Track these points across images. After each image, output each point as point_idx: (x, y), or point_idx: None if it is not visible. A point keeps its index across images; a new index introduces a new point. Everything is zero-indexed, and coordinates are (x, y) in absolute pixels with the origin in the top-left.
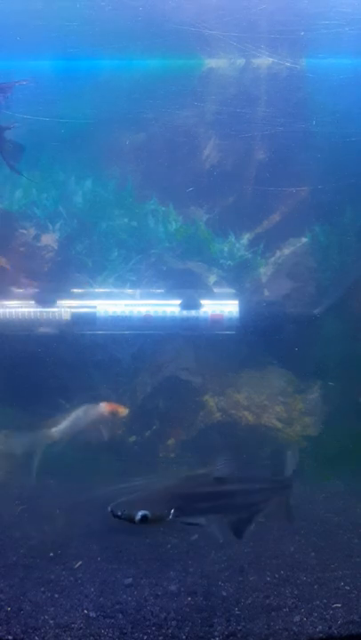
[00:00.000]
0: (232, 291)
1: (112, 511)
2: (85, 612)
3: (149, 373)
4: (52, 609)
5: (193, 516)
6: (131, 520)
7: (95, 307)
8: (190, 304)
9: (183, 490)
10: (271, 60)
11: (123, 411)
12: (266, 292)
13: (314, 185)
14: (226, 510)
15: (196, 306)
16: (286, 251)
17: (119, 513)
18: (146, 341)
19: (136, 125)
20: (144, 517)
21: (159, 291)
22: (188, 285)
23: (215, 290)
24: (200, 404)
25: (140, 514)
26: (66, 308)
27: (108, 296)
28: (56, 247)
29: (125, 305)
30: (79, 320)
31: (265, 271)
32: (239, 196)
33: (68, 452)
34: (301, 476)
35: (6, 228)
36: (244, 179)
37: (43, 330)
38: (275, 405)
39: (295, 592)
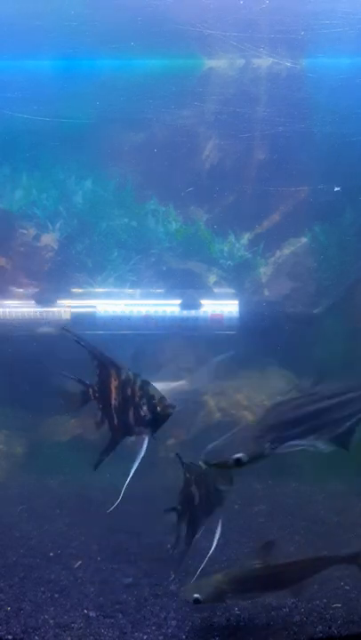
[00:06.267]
0: (232, 291)
1: (204, 461)
2: (85, 611)
3: (149, 373)
4: (52, 609)
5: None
6: (225, 465)
7: (95, 307)
8: (190, 304)
9: (274, 420)
10: (271, 60)
11: None
12: (266, 292)
13: (314, 185)
14: (325, 427)
15: (196, 306)
16: (286, 251)
17: (213, 461)
18: (146, 341)
19: (136, 125)
20: (238, 460)
21: (159, 291)
22: (188, 285)
23: (215, 290)
24: (200, 404)
25: (233, 457)
26: (66, 307)
27: (108, 296)
28: (56, 247)
29: (125, 305)
30: (79, 320)
31: (265, 271)
32: (239, 196)
33: (68, 453)
34: (302, 476)
35: (6, 228)
36: (244, 179)
37: (43, 330)
38: None
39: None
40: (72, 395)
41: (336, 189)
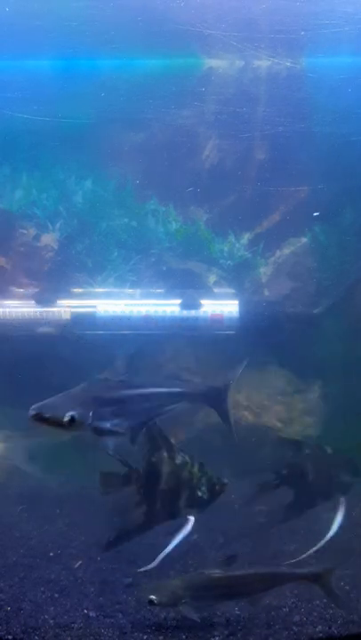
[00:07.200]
0: (232, 291)
1: (38, 413)
2: (85, 611)
3: (149, 373)
4: (52, 609)
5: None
6: (59, 422)
7: (95, 307)
8: (190, 304)
9: (100, 394)
10: (271, 59)
11: None
12: (266, 292)
13: (314, 185)
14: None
15: (196, 306)
16: (286, 251)
17: (47, 415)
18: (146, 341)
19: (136, 125)
20: (72, 419)
21: (159, 291)
22: (188, 285)
23: (215, 290)
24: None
25: (68, 414)
26: (66, 307)
27: (108, 296)
28: (56, 247)
29: (125, 305)
30: (79, 320)
31: (265, 271)
32: (239, 196)
33: (68, 453)
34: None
35: (6, 228)
36: (244, 179)
37: (43, 330)
38: (275, 405)
39: (295, 592)
40: (113, 476)
41: (315, 214)
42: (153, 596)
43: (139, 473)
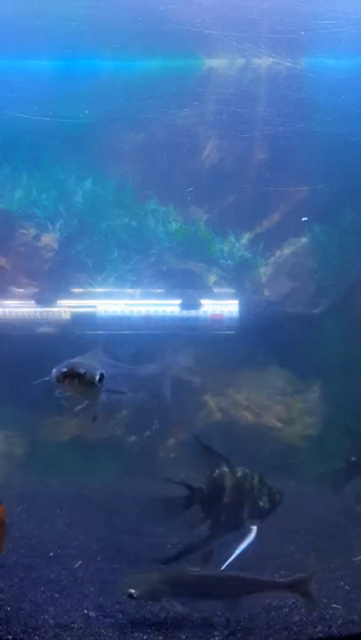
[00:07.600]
0: (232, 291)
1: (72, 369)
2: (85, 611)
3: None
4: (52, 609)
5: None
6: (92, 379)
7: (95, 307)
8: (190, 304)
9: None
10: (271, 59)
11: None
12: (266, 292)
13: (314, 185)
14: None
15: (196, 306)
16: (286, 251)
17: (83, 371)
18: (146, 341)
19: (136, 125)
20: (102, 376)
21: (159, 291)
22: (188, 285)
23: (215, 290)
24: (200, 403)
25: (99, 372)
26: (66, 307)
27: (108, 296)
28: (56, 247)
29: (125, 305)
30: (79, 320)
31: (265, 271)
32: (239, 196)
33: (68, 453)
34: (302, 475)
35: (6, 228)
36: (244, 179)
37: (43, 330)
38: (275, 405)
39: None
40: (175, 500)
41: (304, 219)
42: (132, 590)
43: (202, 491)
